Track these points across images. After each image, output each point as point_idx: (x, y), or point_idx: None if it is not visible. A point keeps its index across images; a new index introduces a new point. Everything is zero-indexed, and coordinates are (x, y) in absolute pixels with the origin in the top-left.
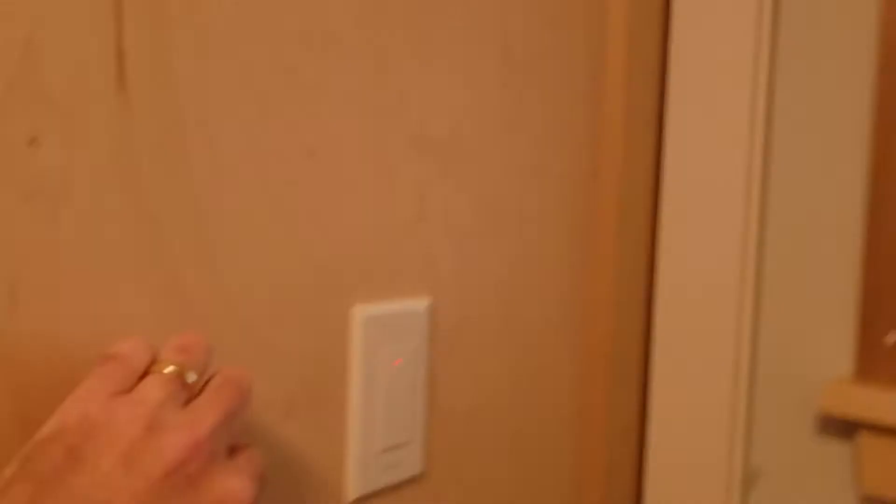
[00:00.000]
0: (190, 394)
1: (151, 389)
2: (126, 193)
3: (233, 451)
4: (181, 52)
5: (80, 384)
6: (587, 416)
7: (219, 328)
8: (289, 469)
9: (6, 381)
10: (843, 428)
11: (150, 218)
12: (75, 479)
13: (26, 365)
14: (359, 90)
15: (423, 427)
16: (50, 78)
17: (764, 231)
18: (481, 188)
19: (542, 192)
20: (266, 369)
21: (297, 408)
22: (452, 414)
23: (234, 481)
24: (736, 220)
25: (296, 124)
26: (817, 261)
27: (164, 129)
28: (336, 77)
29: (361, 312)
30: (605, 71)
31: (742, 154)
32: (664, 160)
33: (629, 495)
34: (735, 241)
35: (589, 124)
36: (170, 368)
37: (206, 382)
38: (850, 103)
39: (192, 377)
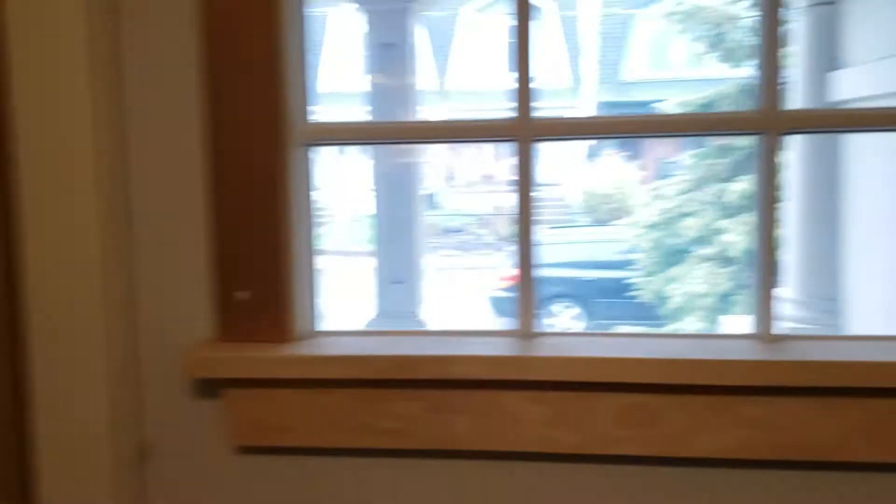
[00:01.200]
0: None
1: None
2: None
3: None
4: None
5: None
6: None
7: None
8: None
9: None
10: (212, 387)
11: None
12: None
13: None
14: None
15: None
16: None
17: (126, 218)
18: None
19: None
20: None
21: None
22: None
23: None
24: (91, 209)
25: None
26: (174, 242)
27: None
28: None
29: None
30: None
31: (89, 149)
32: (18, 154)
33: (13, 483)
34: (95, 233)
35: None
36: None
37: None
38: (187, 111)
39: None
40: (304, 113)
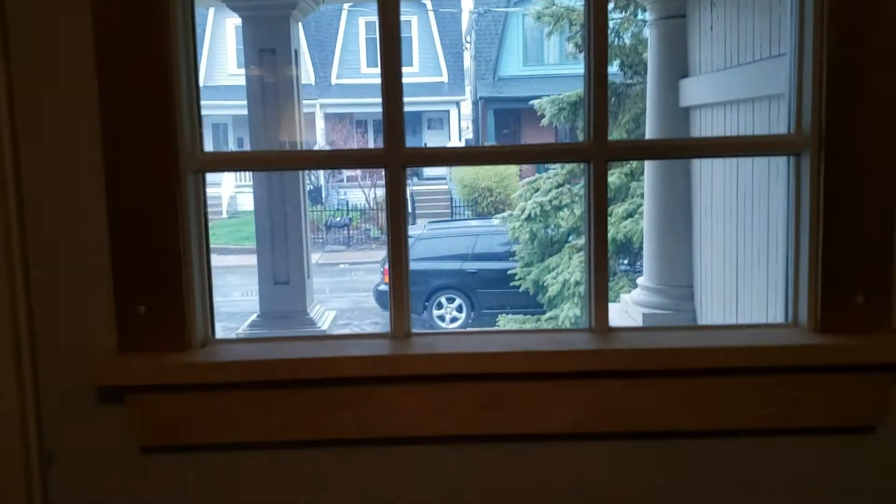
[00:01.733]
0: None
1: None
2: None
3: None
4: None
5: None
6: None
7: None
8: None
9: None
10: (116, 394)
11: None
12: None
13: None
14: None
15: None
16: None
17: (23, 236)
18: None
19: None
20: None
21: None
22: None
23: None
24: None
25: None
26: (74, 252)
27: None
28: None
29: None
30: None
31: None
32: None
33: None
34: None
35: None
36: None
37: None
38: (85, 145)
39: None
40: (195, 142)
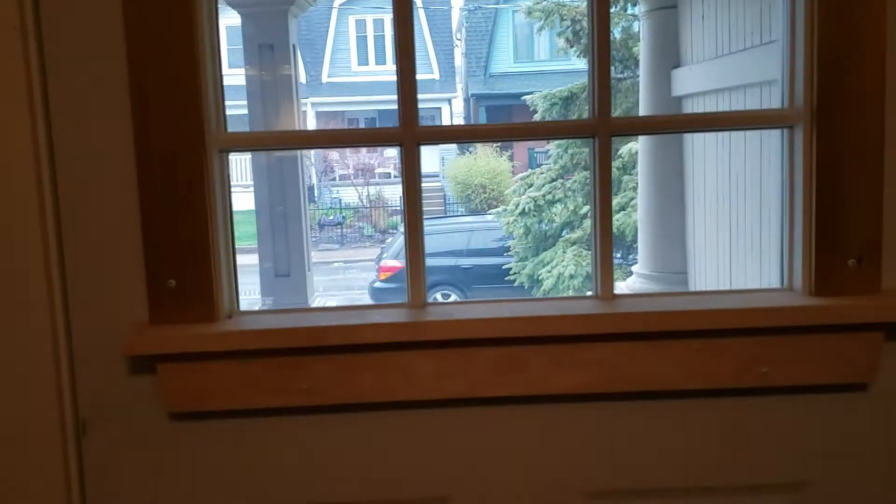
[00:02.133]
0: None
1: None
2: None
3: None
4: None
5: None
6: None
7: None
8: None
9: None
10: (148, 363)
11: None
12: None
13: None
14: None
15: None
16: None
17: (57, 207)
18: None
19: None
20: None
21: None
22: None
23: None
24: (30, 204)
25: None
26: (107, 233)
27: None
28: None
29: None
30: None
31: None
32: None
33: None
34: (33, 222)
35: None
36: None
37: None
38: (116, 127)
39: None
40: (219, 123)
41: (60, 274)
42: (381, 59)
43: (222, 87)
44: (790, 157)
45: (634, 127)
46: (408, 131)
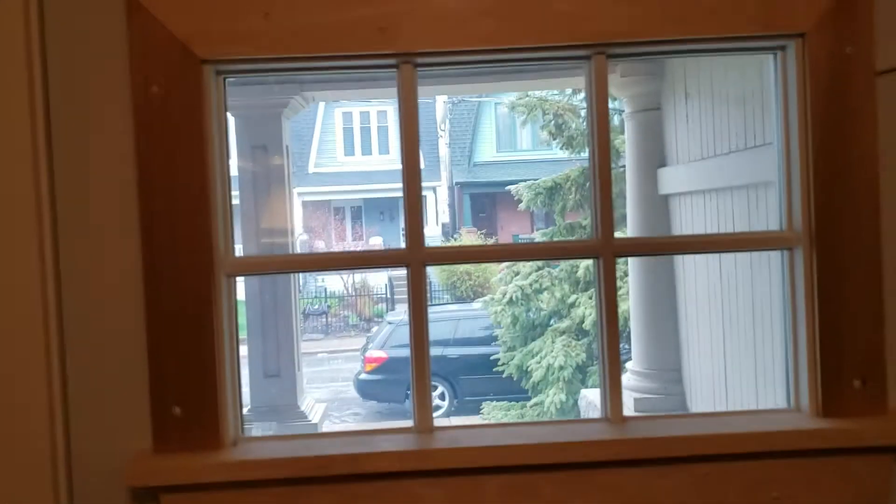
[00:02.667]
0: None
1: None
2: None
3: None
4: None
5: None
6: None
7: None
8: None
9: None
10: (151, 494)
11: None
12: None
13: None
14: None
15: None
16: None
17: (61, 328)
18: None
19: None
20: None
21: None
22: None
23: None
24: (35, 322)
25: None
26: (111, 357)
27: None
28: None
29: None
30: None
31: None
32: None
33: None
34: (37, 342)
35: None
36: None
37: None
38: (125, 251)
39: None
40: (228, 247)
41: (62, 398)
42: (367, 150)
43: (231, 212)
44: (791, 278)
45: (637, 248)
46: (414, 252)
